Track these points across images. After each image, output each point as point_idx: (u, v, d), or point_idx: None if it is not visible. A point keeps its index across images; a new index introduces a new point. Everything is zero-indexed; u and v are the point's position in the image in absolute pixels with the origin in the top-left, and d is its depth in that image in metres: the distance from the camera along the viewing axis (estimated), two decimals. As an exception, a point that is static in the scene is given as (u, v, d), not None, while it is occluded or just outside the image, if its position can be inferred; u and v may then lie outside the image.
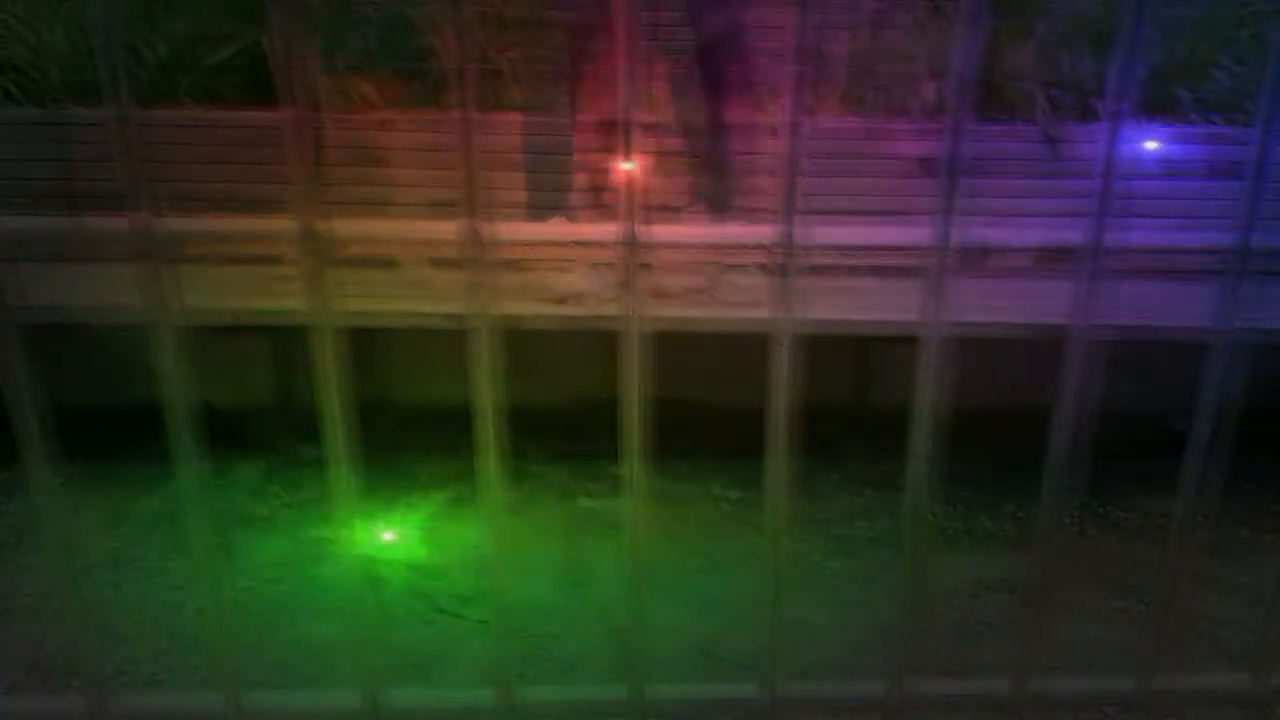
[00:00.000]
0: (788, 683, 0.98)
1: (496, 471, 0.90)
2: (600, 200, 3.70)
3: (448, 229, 0.87)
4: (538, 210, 3.78)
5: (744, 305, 3.09)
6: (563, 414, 2.96)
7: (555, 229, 3.63)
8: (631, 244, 0.84)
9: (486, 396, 0.86)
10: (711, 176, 3.78)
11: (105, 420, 2.73)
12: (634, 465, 0.89)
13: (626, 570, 0.94)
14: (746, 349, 1.20)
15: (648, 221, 0.86)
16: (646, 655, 0.98)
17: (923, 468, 0.91)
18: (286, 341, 3.14)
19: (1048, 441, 0.91)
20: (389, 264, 3.31)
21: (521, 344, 1.05)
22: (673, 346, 1.22)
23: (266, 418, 3.12)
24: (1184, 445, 0.89)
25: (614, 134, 0.85)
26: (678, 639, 2.34)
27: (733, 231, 3.62)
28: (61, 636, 0.94)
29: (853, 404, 3.27)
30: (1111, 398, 0.95)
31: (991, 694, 0.97)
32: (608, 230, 3.17)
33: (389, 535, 2.84)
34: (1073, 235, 0.88)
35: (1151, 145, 3.60)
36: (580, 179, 3.76)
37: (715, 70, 3.68)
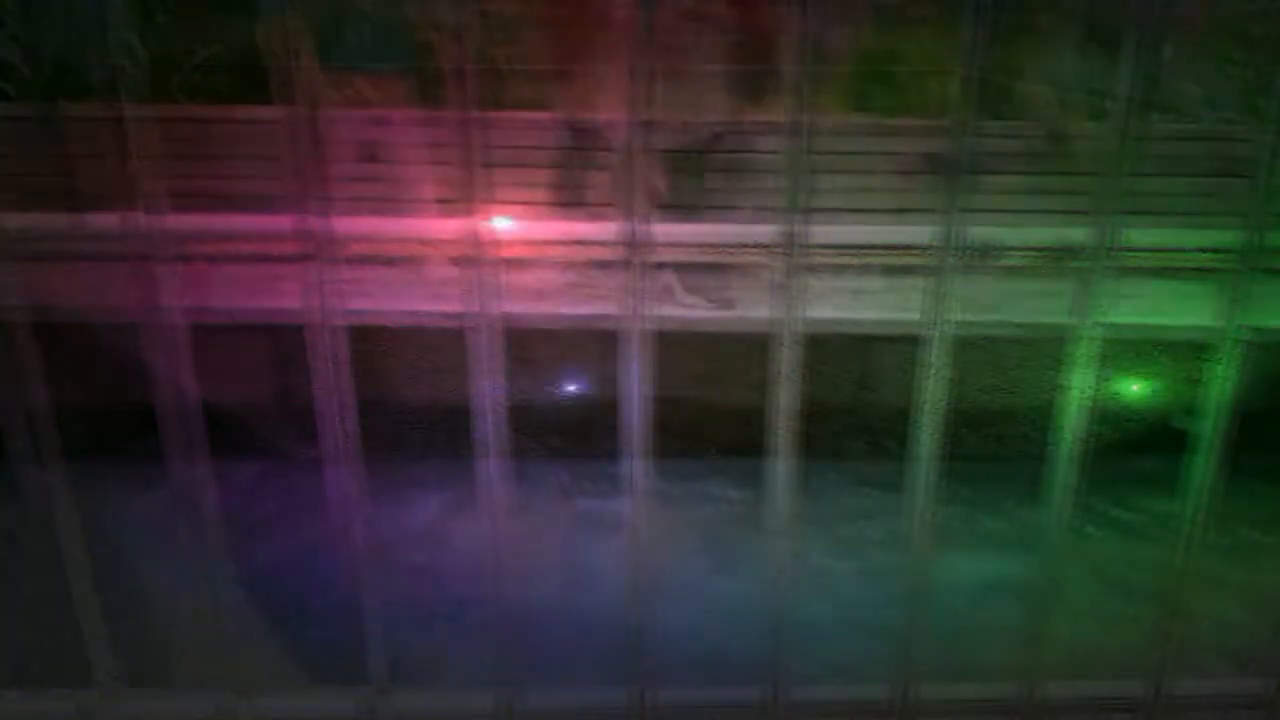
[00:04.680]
0: (792, 686, 0.97)
1: (499, 470, 0.89)
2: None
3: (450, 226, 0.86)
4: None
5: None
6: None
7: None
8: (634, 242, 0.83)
9: (490, 395, 0.85)
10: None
11: (103, 419, 2.71)
12: (634, 464, 0.88)
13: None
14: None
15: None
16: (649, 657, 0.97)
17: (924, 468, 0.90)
18: (286, 340, 3.13)
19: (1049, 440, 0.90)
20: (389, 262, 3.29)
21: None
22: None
23: (266, 417, 3.11)
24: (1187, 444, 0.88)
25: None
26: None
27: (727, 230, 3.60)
28: (61, 636, 0.93)
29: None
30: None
31: (998, 698, 0.96)
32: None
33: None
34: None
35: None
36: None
37: None
